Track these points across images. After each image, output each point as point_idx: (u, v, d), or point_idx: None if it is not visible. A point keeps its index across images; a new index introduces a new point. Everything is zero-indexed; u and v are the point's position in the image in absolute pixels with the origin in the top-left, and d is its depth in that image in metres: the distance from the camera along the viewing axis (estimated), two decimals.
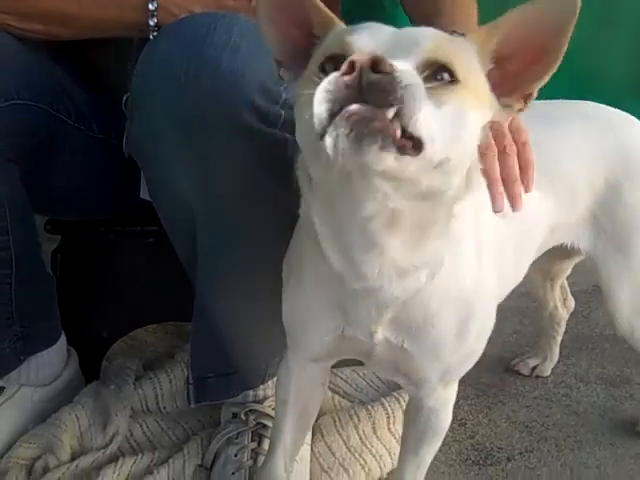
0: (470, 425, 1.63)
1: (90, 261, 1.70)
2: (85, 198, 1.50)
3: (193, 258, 1.26)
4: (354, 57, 0.70)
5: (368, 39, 0.80)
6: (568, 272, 1.69)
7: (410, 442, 1.22)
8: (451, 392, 1.17)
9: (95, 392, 1.53)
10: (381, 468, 1.46)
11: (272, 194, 1.09)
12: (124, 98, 1.28)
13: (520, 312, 2.05)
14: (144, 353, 1.70)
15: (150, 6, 1.18)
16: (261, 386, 1.43)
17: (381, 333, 1.05)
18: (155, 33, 1.19)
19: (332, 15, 0.88)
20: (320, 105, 0.72)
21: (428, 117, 0.73)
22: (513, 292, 2.07)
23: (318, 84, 0.73)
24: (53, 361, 1.52)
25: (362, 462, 1.45)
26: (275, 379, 1.39)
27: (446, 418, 1.19)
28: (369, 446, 1.48)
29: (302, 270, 1.06)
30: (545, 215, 1.27)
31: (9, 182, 1.29)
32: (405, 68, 0.73)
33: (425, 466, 1.24)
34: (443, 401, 1.16)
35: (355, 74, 0.70)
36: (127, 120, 1.24)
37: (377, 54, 0.70)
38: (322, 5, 0.88)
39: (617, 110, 1.39)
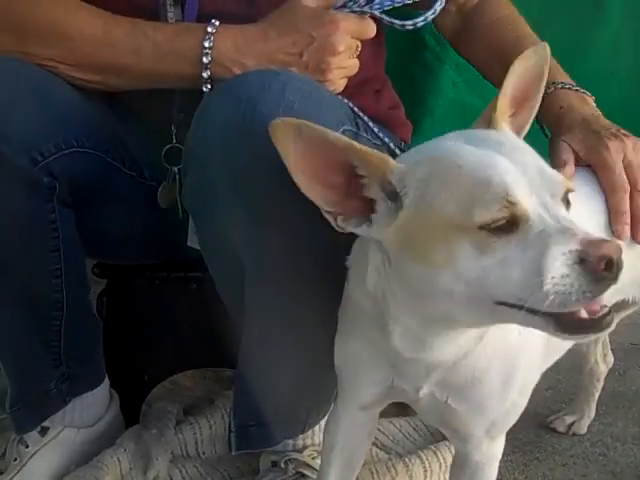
0: None
1: (134, 305, 1.73)
2: (134, 243, 1.54)
3: (240, 308, 1.28)
4: (610, 253, 0.79)
5: (529, 194, 0.84)
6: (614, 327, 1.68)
7: None
8: (498, 447, 1.18)
9: (137, 435, 1.55)
10: None
11: (323, 249, 1.11)
12: (164, 149, 1.34)
13: (555, 368, 2.02)
14: (183, 397, 1.72)
15: (204, 59, 1.21)
16: (300, 435, 1.44)
17: (427, 388, 1.07)
18: (209, 85, 1.23)
19: (380, 154, 0.91)
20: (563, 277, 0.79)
21: None
22: None
23: (488, 243, 0.83)
24: (97, 403, 1.54)
25: None
26: (315, 428, 1.41)
27: (492, 474, 1.19)
28: None
29: (355, 323, 1.09)
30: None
31: (66, 227, 1.33)
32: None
33: None
34: (490, 456, 1.17)
35: (603, 268, 0.79)
36: (180, 172, 1.29)
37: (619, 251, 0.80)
38: (361, 146, 0.90)
39: None
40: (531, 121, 1.07)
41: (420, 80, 1.68)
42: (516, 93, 1.02)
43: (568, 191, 0.88)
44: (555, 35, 1.96)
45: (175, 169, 1.41)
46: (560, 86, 1.31)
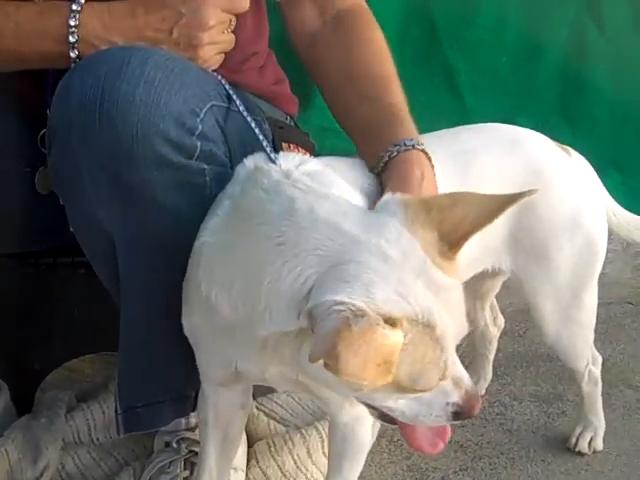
0: (406, 446, 1.63)
1: (21, 293, 1.68)
2: (16, 231, 1.49)
3: (117, 286, 1.26)
4: (475, 413, 0.97)
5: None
6: (497, 290, 1.72)
7: (333, 460, 1.25)
8: (362, 409, 1.18)
9: (25, 426, 1.52)
10: None
11: (189, 221, 1.10)
12: (40, 133, 1.29)
13: None
14: (81, 383, 1.69)
15: (70, 38, 1.18)
16: (192, 413, 1.41)
17: (273, 369, 1.07)
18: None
19: (393, 318, 0.88)
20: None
21: None
22: None
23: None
24: None
25: None
26: None
27: (363, 434, 1.21)
28: (304, 470, 1.49)
29: (196, 302, 1.08)
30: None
31: None
32: None
33: None
34: (355, 416, 1.18)
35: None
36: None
37: (478, 395, 0.99)
38: None
39: (523, 128, 1.43)
40: None
41: None
42: None
43: None
44: (443, 2, 2.01)
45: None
46: (401, 149, 1.13)
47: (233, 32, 1.25)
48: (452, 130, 1.39)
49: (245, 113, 1.17)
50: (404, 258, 0.90)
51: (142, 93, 1.04)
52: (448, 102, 2.06)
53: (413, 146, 1.11)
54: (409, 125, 1.16)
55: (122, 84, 1.04)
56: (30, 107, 1.39)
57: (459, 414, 0.96)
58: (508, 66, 2.10)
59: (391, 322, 0.84)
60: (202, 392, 1.24)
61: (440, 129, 1.37)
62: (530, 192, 1.00)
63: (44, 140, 1.36)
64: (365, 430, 1.20)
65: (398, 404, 0.95)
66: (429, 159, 1.14)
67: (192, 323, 1.12)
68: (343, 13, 1.31)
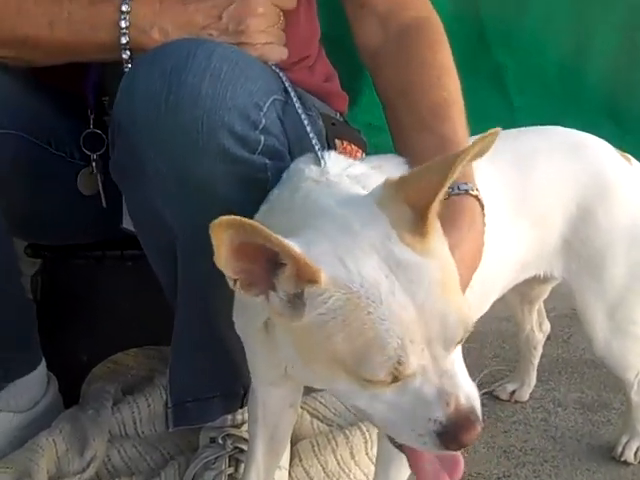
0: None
1: (70, 285, 1.70)
2: (66, 224, 1.51)
3: (174, 283, 1.27)
4: (465, 443, 0.85)
5: (420, 350, 0.83)
6: (545, 296, 1.71)
7: (380, 463, 1.24)
8: None
9: (73, 417, 1.53)
10: None
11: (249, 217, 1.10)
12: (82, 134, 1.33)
13: (500, 336, 2.06)
14: (125, 377, 1.70)
15: (122, 24, 1.18)
16: (239, 410, 1.43)
17: None
18: (127, 52, 1.20)
19: (313, 268, 0.83)
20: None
21: None
22: (494, 317, 2.10)
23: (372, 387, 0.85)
24: (32, 387, 1.52)
25: None
26: None
27: None
28: (347, 471, 1.49)
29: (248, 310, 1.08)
30: (515, 252, 1.30)
31: None
32: (478, 402, 0.88)
33: None
34: None
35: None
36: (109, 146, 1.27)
37: (476, 420, 0.86)
38: (298, 254, 0.82)
39: (586, 134, 1.41)
40: None
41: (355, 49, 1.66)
42: None
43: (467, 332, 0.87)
44: (493, 2, 1.99)
45: (94, 155, 1.39)
46: (454, 192, 1.07)
47: (284, 31, 1.25)
48: (513, 131, 1.37)
49: (300, 110, 1.17)
50: (364, 231, 0.86)
51: (208, 86, 1.04)
52: (495, 102, 2.03)
53: (466, 191, 1.06)
54: (466, 167, 1.12)
55: (188, 77, 1.04)
56: (72, 108, 1.41)
57: (444, 436, 0.84)
58: (556, 67, 2.07)
59: (313, 277, 0.82)
60: (252, 390, 1.25)
61: (487, 129, 1.36)
62: (483, 138, 0.86)
63: (86, 141, 1.39)
64: None
65: (374, 408, 0.88)
66: (482, 206, 1.09)
67: (244, 322, 1.12)
68: (406, 28, 1.28)
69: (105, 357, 1.72)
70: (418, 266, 0.84)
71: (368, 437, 1.53)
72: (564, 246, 1.34)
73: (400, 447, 0.94)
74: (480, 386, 1.84)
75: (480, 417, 0.87)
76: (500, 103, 2.05)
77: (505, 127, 1.40)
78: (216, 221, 0.79)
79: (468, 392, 0.86)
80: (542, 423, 1.74)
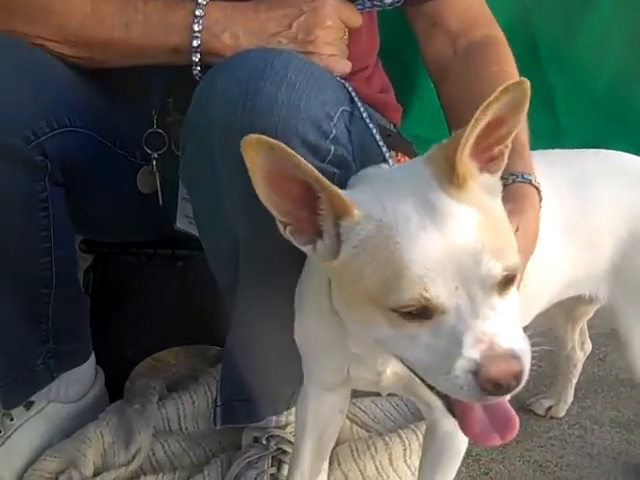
0: (484, 461, 1.65)
1: (120, 281, 1.74)
2: (123, 222, 1.55)
3: (233, 286, 1.30)
4: (500, 379, 0.83)
5: (452, 286, 0.84)
6: (590, 316, 1.71)
7: (426, 467, 1.26)
8: None
9: (120, 410, 1.57)
10: None
11: None
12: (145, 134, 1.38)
13: (538, 352, 2.06)
14: (166, 374, 1.74)
15: (195, 27, 1.22)
16: (285, 412, 1.46)
17: (389, 371, 1.10)
18: (198, 55, 1.23)
19: (344, 199, 0.88)
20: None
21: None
22: (531, 332, 2.11)
23: (401, 326, 0.86)
24: (82, 379, 1.56)
25: None
26: None
27: (461, 443, 1.22)
28: (385, 477, 1.51)
29: (312, 308, 1.11)
30: (563, 269, 1.31)
31: (57, 206, 1.34)
32: (525, 354, 0.86)
33: None
34: (457, 424, 1.19)
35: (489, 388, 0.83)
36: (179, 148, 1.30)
37: (518, 369, 0.84)
38: (329, 185, 0.88)
39: None
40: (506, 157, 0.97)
41: (411, 63, 1.69)
42: (482, 131, 0.91)
43: (509, 279, 0.87)
44: (546, 19, 1.99)
45: (155, 154, 1.43)
46: (518, 180, 1.13)
47: (347, 46, 1.29)
48: (575, 152, 1.39)
49: (367, 120, 1.20)
50: (406, 181, 0.92)
51: (284, 95, 1.06)
52: (543, 120, 2.03)
53: (530, 181, 1.10)
54: (528, 160, 1.15)
55: (265, 85, 1.07)
56: (136, 109, 1.44)
57: (479, 375, 0.82)
58: (606, 88, 2.07)
59: (346, 210, 0.88)
60: (304, 394, 1.27)
61: (533, 147, 1.38)
62: (506, 89, 0.86)
63: (149, 141, 1.42)
64: (463, 439, 1.21)
65: (412, 353, 0.88)
66: (540, 199, 1.13)
67: (306, 330, 1.14)
68: (475, 45, 1.34)
69: (149, 354, 1.75)
70: (452, 209, 0.87)
71: (407, 445, 1.54)
72: (612, 270, 1.35)
73: (450, 408, 0.93)
74: (516, 400, 1.88)
75: (523, 363, 0.84)
76: (547, 121, 2.06)
77: (552, 147, 1.44)
78: (246, 138, 0.85)
79: (510, 337, 0.84)
80: (578, 440, 1.74)
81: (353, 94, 1.30)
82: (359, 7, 1.31)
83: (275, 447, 1.45)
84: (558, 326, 1.77)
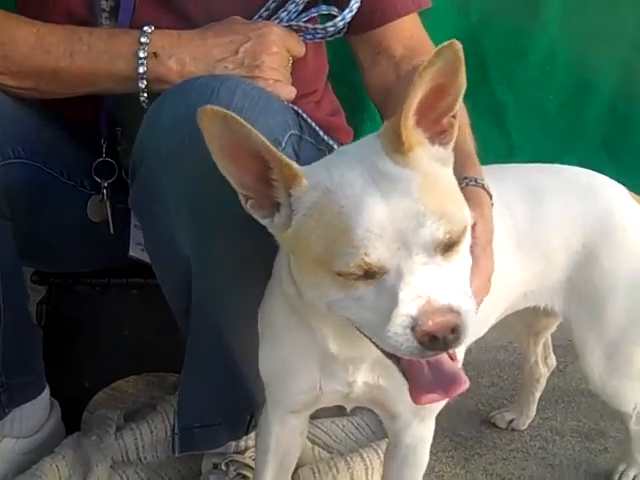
0: (447, 477, 1.65)
1: (75, 312, 1.71)
2: (74, 252, 1.53)
3: (186, 310, 1.30)
4: (435, 331, 0.84)
5: (394, 247, 0.86)
6: (552, 329, 1.72)
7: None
8: (427, 430, 1.21)
9: (76, 443, 1.54)
10: None
11: (266, 250, 1.12)
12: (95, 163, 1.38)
13: (498, 365, 2.08)
14: (125, 404, 1.71)
15: (140, 54, 1.23)
16: (243, 437, 1.45)
17: (360, 380, 1.11)
18: (144, 82, 1.23)
19: (293, 169, 0.92)
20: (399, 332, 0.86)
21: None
22: (491, 345, 2.13)
23: (346, 284, 0.89)
24: (36, 412, 1.53)
25: None
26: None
27: (423, 456, 1.23)
28: None
29: (276, 326, 1.13)
30: (517, 281, 1.32)
31: (2, 239, 1.33)
32: (467, 311, 0.87)
33: None
34: (420, 438, 1.21)
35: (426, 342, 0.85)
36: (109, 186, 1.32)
37: (455, 322, 0.85)
38: (279, 155, 0.91)
39: (597, 174, 1.43)
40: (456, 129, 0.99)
41: (362, 85, 1.71)
42: (426, 100, 0.94)
43: (454, 243, 0.89)
44: (494, 39, 2.03)
45: (105, 183, 1.42)
46: (471, 183, 1.13)
47: (292, 73, 1.31)
48: (527, 166, 1.42)
49: (321, 132, 1.26)
50: (356, 152, 0.96)
51: None
52: (495, 138, 2.06)
53: (482, 186, 1.12)
54: (479, 166, 1.18)
55: None
56: (84, 139, 1.44)
57: (416, 329, 0.84)
58: (556, 104, 2.10)
59: (294, 179, 0.91)
60: (266, 420, 1.26)
61: (485, 164, 1.39)
62: (439, 52, 0.88)
63: (98, 170, 1.42)
64: (426, 452, 1.23)
65: (360, 315, 0.90)
66: (492, 204, 1.14)
67: (276, 353, 1.15)
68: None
69: (107, 384, 1.73)
70: (398, 174, 0.90)
71: (369, 464, 1.54)
72: (567, 283, 1.36)
73: (401, 369, 0.94)
74: (478, 414, 1.89)
75: (462, 317, 0.85)
76: (499, 139, 2.08)
77: (504, 163, 1.45)
78: (201, 109, 0.88)
79: (449, 294, 0.86)
80: (540, 451, 1.75)
81: (304, 115, 1.31)
82: (303, 38, 1.33)
83: (235, 473, 1.43)
84: (520, 340, 1.78)
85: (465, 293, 0.90)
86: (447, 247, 0.89)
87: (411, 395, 0.93)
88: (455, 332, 0.85)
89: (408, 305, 0.85)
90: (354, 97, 1.84)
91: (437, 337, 0.85)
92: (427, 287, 0.86)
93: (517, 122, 2.08)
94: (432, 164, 0.94)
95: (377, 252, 0.86)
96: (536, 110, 2.09)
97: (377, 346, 0.93)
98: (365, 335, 0.94)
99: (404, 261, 0.86)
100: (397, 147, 0.91)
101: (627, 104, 2.10)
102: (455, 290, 0.88)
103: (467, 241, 0.93)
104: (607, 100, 2.09)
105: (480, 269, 1.00)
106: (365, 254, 0.86)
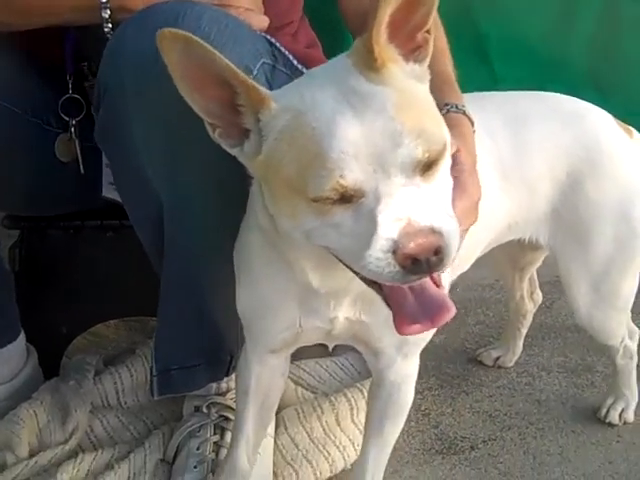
0: (434, 415, 1.64)
1: (49, 256, 1.67)
2: (44, 194, 1.48)
3: (160, 251, 1.26)
4: (417, 254, 0.80)
5: (370, 170, 0.82)
6: (538, 264, 1.69)
7: (374, 421, 1.23)
8: (411, 366, 1.18)
9: (54, 388, 1.51)
10: (345, 459, 1.46)
11: (239, 181, 1.08)
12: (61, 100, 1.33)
13: (484, 303, 2.06)
14: (106, 349, 1.69)
15: None
16: (224, 379, 1.42)
17: (341, 316, 1.07)
18: (108, 12, 1.16)
19: (260, 91, 0.87)
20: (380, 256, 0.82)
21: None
22: (477, 283, 2.11)
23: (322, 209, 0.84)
24: (12, 358, 1.50)
25: (326, 454, 1.45)
26: None
27: (408, 394, 1.20)
28: (332, 437, 1.48)
29: (252, 262, 1.09)
30: (502, 212, 1.29)
31: None
32: (450, 232, 0.83)
33: (388, 449, 1.25)
34: (404, 375, 1.18)
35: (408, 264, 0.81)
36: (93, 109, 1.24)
37: (438, 244, 0.81)
38: (245, 78, 0.87)
39: (582, 102, 1.39)
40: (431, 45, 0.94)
41: (337, 17, 1.65)
42: (398, 14, 0.88)
43: (432, 162, 0.85)
44: None
45: (73, 121, 1.37)
46: (452, 109, 1.11)
47: (267, 4, 1.25)
48: (510, 93, 1.37)
49: (296, 62, 1.21)
50: (327, 72, 0.92)
51: None
52: (477, 68, 2.00)
53: (464, 112, 1.08)
54: (459, 93, 1.14)
55: None
56: (49, 75, 1.38)
57: (398, 252, 0.80)
58: (539, 33, 2.04)
59: (262, 102, 0.87)
60: (245, 361, 1.23)
61: None
62: None
63: (64, 107, 1.36)
64: (411, 390, 1.20)
65: (338, 241, 0.86)
66: (474, 131, 1.11)
67: (253, 290, 1.11)
68: None
69: (85, 329, 1.70)
70: (371, 92, 0.85)
71: (354, 404, 1.52)
72: (552, 214, 1.33)
73: (384, 297, 0.91)
74: (464, 352, 1.88)
75: (445, 239, 0.82)
76: (482, 70, 2.02)
77: None
78: (160, 32, 0.84)
79: (431, 215, 0.82)
80: (527, 387, 1.74)
81: (277, 44, 1.25)
82: None
83: (217, 415, 1.41)
84: (506, 276, 1.75)
85: (447, 214, 0.85)
86: (426, 167, 0.84)
87: (395, 325, 0.89)
88: (438, 253, 0.81)
89: (388, 228, 0.81)
90: (331, 29, 1.79)
91: (420, 260, 0.81)
92: (407, 209, 0.82)
93: (499, 52, 2.01)
94: (407, 81, 0.89)
95: (353, 174, 0.81)
96: (519, 39, 2.02)
97: (358, 275, 0.89)
98: (345, 265, 0.90)
99: (382, 183, 0.82)
100: (370, 64, 0.87)
101: (611, 32, 2.04)
102: (437, 211, 0.83)
103: (447, 161, 0.88)
104: (591, 28, 2.03)
105: (467, 194, 0.96)
106: (340, 176, 0.81)
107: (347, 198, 0.83)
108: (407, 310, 0.88)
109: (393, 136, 0.82)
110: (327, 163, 0.82)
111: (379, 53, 0.86)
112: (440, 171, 0.86)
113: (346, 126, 0.82)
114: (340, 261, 0.91)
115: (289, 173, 0.85)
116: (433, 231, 0.81)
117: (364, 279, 0.89)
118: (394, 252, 0.81)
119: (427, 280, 0.87)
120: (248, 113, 0.89)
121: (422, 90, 0.92)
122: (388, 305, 0.90)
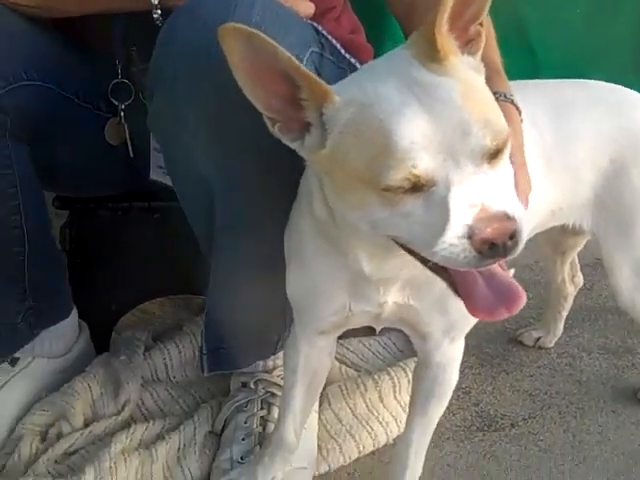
0: (475, 393, 1.66)
1: (98, 236, 1.72)
2: (94, 176, 1.52)
3: (210, 234, 1.28)
4: (494, 238, 0.81)
5: (441, 158, 0.83)
6: (579, 248, 1.69)
7: (419, 401, 1.25)
8: (457, 349, 1.20)
9: (106, 363, 1.57)
10: (387, 434, 1.49)
11: (289, 172, 1.09)
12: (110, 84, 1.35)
13: (523, 284, 2.03)
14: (152, 325, 1.73)
15: None
16: (271, 356, 1.46)
17: (390, 300, 1.09)
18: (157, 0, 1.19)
19: (323, 86, 0.88)
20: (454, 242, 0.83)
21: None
22: (516, 264, 2.11)
23: (392, 202, 0.85)
24: (65, 334, 1.55)
25: (369, 429, 1.49)
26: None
27: (453, 375, 1.22)
28: (375, 413, 1.51)
29: (304, 249, 1.10)
30: (546, 199, 1.29)
31: (21, 163, 1.31)
32: (520, 217, 0.84)
33: (432, 428, 1.27)
34: (450, 357, 1.20)
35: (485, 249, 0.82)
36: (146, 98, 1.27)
37: (513, 228, 0.82)
38: (307, 72, 0.87)
39: (628, 90, 1.39)
40: (484, 37, 0.95)
41: (381, 2, 1.66)
42: (455, 7, 0.89)
43: (499, 150, 0.86)
44: None
45: (122, 106, 1.40)
46: (501, 98, 1.10)
47: None
48: (553, 82, 1.37)
49: (343, 51, 1.21)
50: (387, 64, 0.92)
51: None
52: (519, 56, 1.98)
53: (512, 101, 1.09)
54: (507, 82, 1.14)
55: None
56: (98, 60, 1.41)
57: (474, 238, 0.81)
58: (582, 19, 2.02)
59: (325, 96, 0.87)
60: (294, 341, 1.25)
61: None
62: None
63: (114, 92, 1.39)
64: (456, 372, 1.22)
65: (408, 231, 0.87)
66: (521, 120, 1.11)
67: (304, 275, 1.12)
68: None
69: (133, 306, 1.75)
70: (435, 83, 0.86)
71: (397, 382, 1.55)
72: (595, 200, 1.33)
73: (455, 289, 0.91)
74: (504, 332, 1.88)
75: (518, 223, 0.83)
76: (524, 57, 2.01)
77: None
78: (222, 27, 0.84)
79: (503, 201, 0.84)
80: (567, 368, 1.75)
81: (324, 32, 1.27)
82: None
83: (264, 390, 1.45)
84: (547, 259, 1.76)
85: (515, 200, 0.87)
86: (492, 155, 0.85)
87: (469, 311, 0.90)
88: (513, 238, 0.82)
89: (462, 214, 0.82)
90: (374, 14, 1.79)
91: (497, 244, 0.82)
92: (479, 195, 0.83)
93: (542, 39, 2.00)
94: (468, 72, 0.90)
95: (424, 163, 0.82)
96: (562, 25, 2.00)
97: (425, 263, 0.90)
98: (410, 252, 0.91)
99: (452, 171, 0.83)
100: (432, 55, 0.87)
101: None
102: (507, 197, 0.85)
103: (508, 150, 0.90)
104: (635, 15, 2.01)
105: (518, 190, 0.96)
106: (412, 166, 0.82)
107: (418, 187, 0.84)
108: (479, 296, 0.89)
109: (462, 125, 0.83)
110: (398, 154, 0.82)
111: (442, 44, 0.87)
112: (504, 159, 0.88)
113: (414, 117, 0.83)
114: (405, 250, 0.91)
115: (357, 165, 0.86)
116: (507, 216, 0.83)
117: (431, 266, 0.90)
118: (469, 237, 0.82)
119: (495, 266, 0.88)
120: (311, 107, 0.89)
121: (480, 81, 0.92)
122: (455, 291, 0.91)
